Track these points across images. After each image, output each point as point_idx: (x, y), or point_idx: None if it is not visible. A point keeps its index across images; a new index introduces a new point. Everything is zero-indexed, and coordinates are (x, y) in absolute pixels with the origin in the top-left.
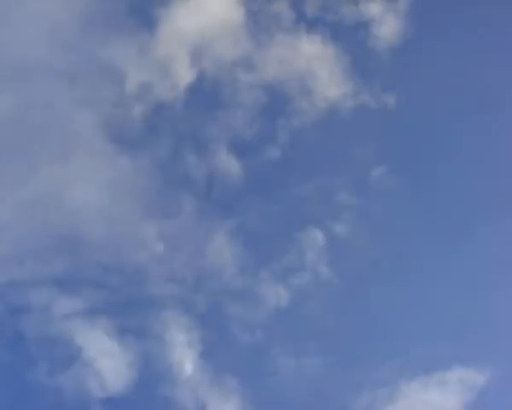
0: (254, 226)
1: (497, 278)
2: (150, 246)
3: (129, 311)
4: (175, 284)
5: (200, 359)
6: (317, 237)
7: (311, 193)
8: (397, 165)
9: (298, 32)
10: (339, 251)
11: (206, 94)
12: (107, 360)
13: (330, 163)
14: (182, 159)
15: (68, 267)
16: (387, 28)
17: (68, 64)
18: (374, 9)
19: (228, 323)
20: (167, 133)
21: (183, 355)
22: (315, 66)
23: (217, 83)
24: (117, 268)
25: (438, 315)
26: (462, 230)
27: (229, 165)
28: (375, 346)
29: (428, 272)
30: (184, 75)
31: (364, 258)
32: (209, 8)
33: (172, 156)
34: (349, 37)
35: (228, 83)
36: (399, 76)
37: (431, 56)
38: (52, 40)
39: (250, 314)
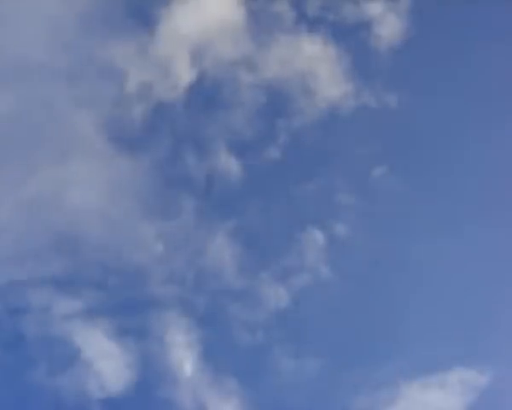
0: (254, 226)
1: (498, 278)
2: (150, 246)
3: (128, 311)
4: (175, 285)
5: (200, 359)
6: (317, 237)
7: (311, 193)
8: (397, 165)
9: (299, 31)
10: (339, 251)
11: (207, 94)
12: (106, 361)
13: (331, 163)
14: (181, 159)
15: (68, 268)
16: (389, 28)
17: (68, 64)
18: (375, 9)
19: (228, 323)
20: (167, 133)
21: (183, 356)
22: (316, 66)
23: (217, 83)
24: (116, 268)
25: (438, 315)
26: (463, 230)
27: (229, 165)
28: (376, 347)
29: (429, 272)
30: (184, 75)
31: (364, 258)
32: (209, 7)
33: (172, 156)
34: (350, 36)
35: (228, 83)
36: (401, 76)
37: (432, 56)
38: (52, 40)
39: (250, 315)
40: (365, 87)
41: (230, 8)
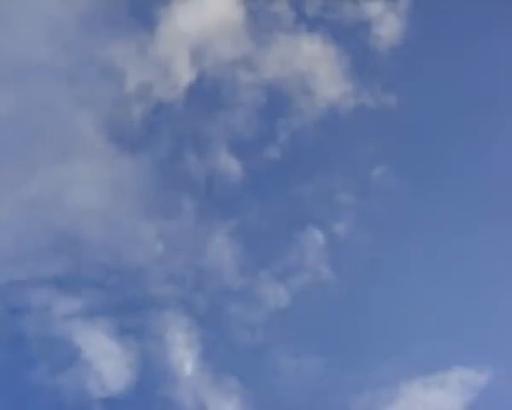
0: (254, 226)
1: (497, 278)
2: (150, 246)
3: (129, 311)
4: (175, 284)
5: (200, 359)
6: (317, 237)
7: (311, 193)
8: (397, 165)
9: (298, 31)
10: (339, 251)
11: (206, 94)
12: (106, 361)
13: (330, 163)
14: (182, 159)
15: (68, 267)
16: (388, 28)
17: (68, 64)
18: (374, 9)
19: (228, 323)
20: (167, 133)
21: (183, 355)
22: (315, 66)
23: (217, 83)
24: (117, 268)
25: (438, 315)
26: (463, 230)
27: (229, 165)
28: (376, 346)
29: (429, 271)
30: (184, 75)
31: (364, 258)
32: (209, 7)
33: (172, 156)
34: (349, 36)
35: (228, 83)
36: (400, 76)
37: (431, 56)
38: (52, 40)
39: (250, 314)
40: (365, 87)
41: (230, 8)
